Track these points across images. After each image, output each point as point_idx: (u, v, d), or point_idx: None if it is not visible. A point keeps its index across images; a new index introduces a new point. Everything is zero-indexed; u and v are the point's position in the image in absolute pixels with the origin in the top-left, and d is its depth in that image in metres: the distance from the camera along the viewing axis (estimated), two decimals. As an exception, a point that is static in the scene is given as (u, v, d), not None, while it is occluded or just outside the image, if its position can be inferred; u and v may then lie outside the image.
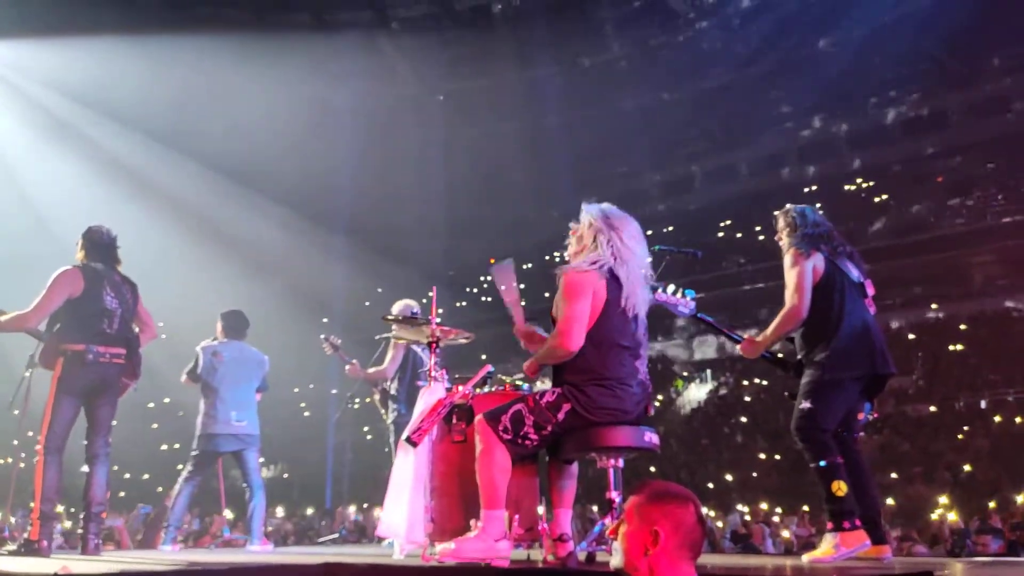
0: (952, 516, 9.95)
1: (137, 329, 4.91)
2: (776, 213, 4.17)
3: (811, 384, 3.76)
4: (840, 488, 3.56)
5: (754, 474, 15.68)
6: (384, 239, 17.56)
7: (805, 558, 3.65)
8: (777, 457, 15.65)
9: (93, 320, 4.58)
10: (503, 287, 3.73)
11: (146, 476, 12.26)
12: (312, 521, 11.56)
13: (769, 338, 3.96)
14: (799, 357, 3.94)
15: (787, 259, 3.93)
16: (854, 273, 3.97)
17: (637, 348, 3.44)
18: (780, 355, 4.17)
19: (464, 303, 18.44)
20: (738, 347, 4.16)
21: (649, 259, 3.58)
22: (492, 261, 3.76)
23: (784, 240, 4.03)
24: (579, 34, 22.09)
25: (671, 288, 4.04)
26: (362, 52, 16.98)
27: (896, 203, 21.11)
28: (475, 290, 19.29)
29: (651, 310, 3.61)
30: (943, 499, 11.42)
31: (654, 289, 3.82)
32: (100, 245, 4.81)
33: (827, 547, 3.56)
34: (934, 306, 19.11)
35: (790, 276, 3.87)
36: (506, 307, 3.73)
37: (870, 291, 4.00)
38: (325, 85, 15.78)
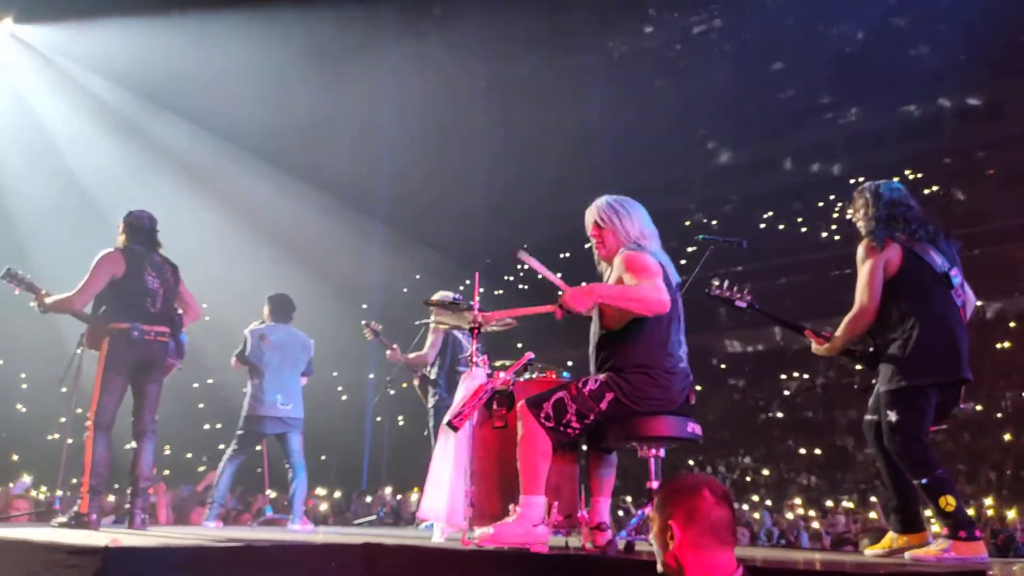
0: (997, 513, 9.73)
1: (180, 310, 5.01)
2: (855, 193, 3.82)
3: (893, 394, 3.48)
4: (948, 503, 3.28)
5: (790, 471, 15.51)
6: (423, 226, 17.61)
7: (908, 555, 3.40)
8: (805, 451, 15.47)
9: (137, 300, 4.70)
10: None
11: (189, 455, 12.53)
12: (349, 502, 11.73)
13: (840, 340, 3.74)
14: (871, 349, 3.70)
15: (859, 250, 3.63)
16: (937, 261, 3.59)
17: (680, 336, 3.42)
18: (850, 348, 3.86)
19: (501, 291, 18.45)
20: (814, 348, 3.89)
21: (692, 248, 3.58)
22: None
23: (860, 223, 3.72)
24: (620, 20, 21.87)
25: (726, 282, 3.96)
26: (405, 39, 17.00)
27: (945, 196, 20.61)
28: (512, 278, 19.29)
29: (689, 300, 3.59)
30: (988, 500, 11.17)
31: (709, 285, 3.79)
32: (140, 229, 4.92)
33: (935, 548, 3.32)
34: (980, 303, 18.64)
35: (861, 271, 3.59)
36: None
37: (957, 280, 3.62)
38: (367, 71, 15.82)
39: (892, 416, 3.45)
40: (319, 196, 15.35)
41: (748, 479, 14.97)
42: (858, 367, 3.96)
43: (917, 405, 3.45)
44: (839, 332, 3.75)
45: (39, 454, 10.78)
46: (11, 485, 9.23)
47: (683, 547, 2.07)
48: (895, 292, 3.56)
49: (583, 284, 3.37)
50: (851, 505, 11.16)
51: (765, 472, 15.34)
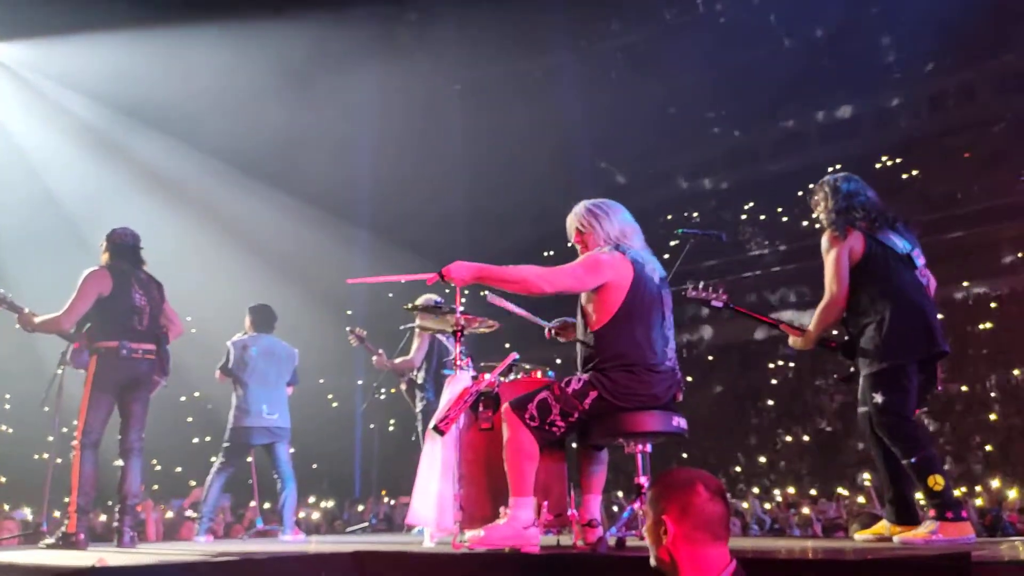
0: (985, 492, 9.83)
1: (164, 327, 4.98)
2: (812, 187, 3.94)
3: (874, 376, 3.54)
4: (937, 482, 3.34)
5: (781, 460, 15.59)
6: (405, 231, 17.57)
7: (896, 539, 3.44)
8: (794, 439, 15.57)
9: (124, 318, 4.67)
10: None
11: (179, 469, 12.44)
12: (341, 511, 11.69)
13: (814, 331, 3.80)
14: (846, 338, 3.77)
15: (823, 241, 3.73)
16: (899, 245, 3.69)
17: (666, 331, 3.44)
18: (825, 338, 3.92)
19: (484, 293, 18.47)
20: (790, 342, 3.96)
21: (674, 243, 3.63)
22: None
23: (821, 216, 3.81)
24: (595, 16, 21.92)
25: (701, 284, 4.02)
26: (379, 43, 16.97)
27: (923, 180, 20.79)
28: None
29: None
30: (975, 478, 11.27)
31: (684, 288, 3.83)
32: (124, 247, 4.89)
33: (923, 531, 3.37)
34: (964, 284, 18.81)
35: (827, 262, 3.67)
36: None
37: (919, 260, 3.74)
38: (342, 78, 15.78)
39: (877, 398, 3.50)
40: (299, 205, 15.31)
41: (738, 469, 15.04)
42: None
43: (900, 384, 3.50)
44: (812, 324, 3.81)
45: (26, 475, 10.68)
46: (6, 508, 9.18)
47: (677, 542, 2.08)
48: (862, 278, 3.64)
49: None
50: (843, 491, 11.23)
51: (758, 460, 15.41)
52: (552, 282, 3.32)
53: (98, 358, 4.60)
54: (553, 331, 3.92)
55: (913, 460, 3.41)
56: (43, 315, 4.70)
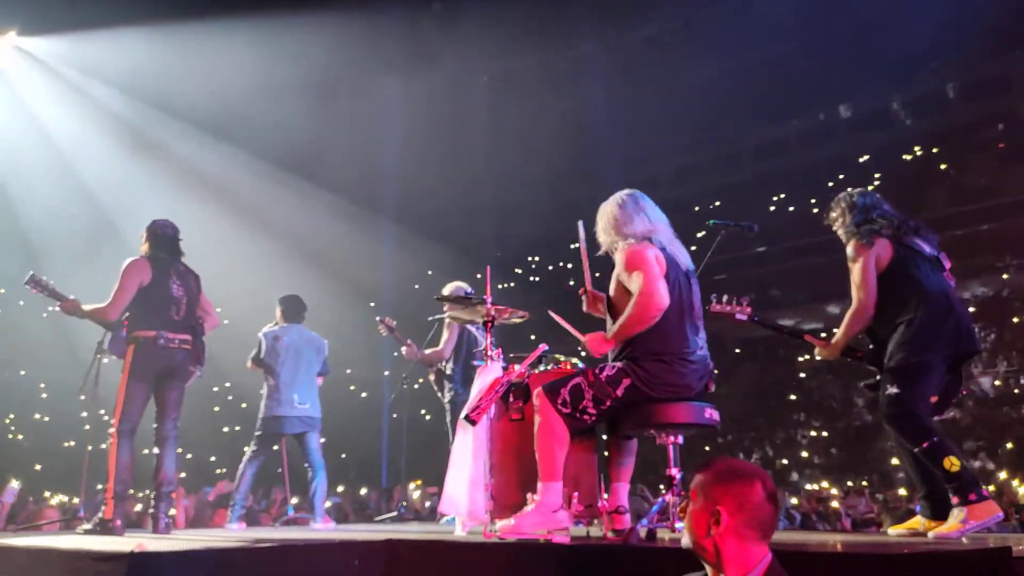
0: (1016, 489, 9.67)
1: (200, 318, 5.05)
2: (831, 204, 3.97)
3: (897, 368, 3.55)
4: (953, 463, 3.35)
5: (811, 454, 15.46)
6: (432, 223, 17.59)
7: (931, 534, 3.44)
8: (825, 434, 15.44)
9: (162, 308, 4.74)
10: (583, 251, 3.77)
11: (212, 459, 12.62)
12: (370, 500, 11.78)
13: (841, 339, 3.82)
14: (872, 346, 3.78)
15: (849, 251, 3.76)
16: (926, 249, 3.75)
17: (696, 321, 3.43)
18: (852, 348, 3.95)
19: (512, 284, 18.45)
20: (816, 352, 3.99)
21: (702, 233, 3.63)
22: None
23: (840, 232, 3.86)
24: (623, 8, 21.72)
25: (724, 297, 4.02)
26: (405, 36, 16.99)
27: (956, 171, 20.44)
28: (523, 271, 19.28)
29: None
30: (1004, 474, 11.10)
31: (708, 301, 3.83)
32: (163, 238, 4.97)
33: (954, 522, 3.36)
34: (999, 277, 18.48)
35: (854, 271, 3.70)
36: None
37: (946, 264, 3.81)
38: (369, 71, 15.82)
39: (892, 389, 3.54)
40: (328, 198, 15.39)
41: (766, 462, 14.94)
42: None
43: (917, 379, 3.52)
44: (840, 331, 3.83)
45: (62, 461, 10.88)
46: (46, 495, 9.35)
47: (727, 534, 2.05)
48: (892, 283, 3.66)
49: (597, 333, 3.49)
50: (870, 486, 11.12)
51: (787, 454, 15.31)
52: (648, 309, 3.27)
53: (135, 347, 4.67)
54: (584, 291, 3.85)
55: (924, 446, 3.42)
56: (89, 304, 4.78)
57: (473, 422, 3.39)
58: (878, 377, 3.78)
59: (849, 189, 3.98)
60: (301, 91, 14.78)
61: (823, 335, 4.03)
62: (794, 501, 10.38)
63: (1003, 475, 10.91)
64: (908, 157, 21.02)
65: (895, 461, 12.52)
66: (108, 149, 12.65)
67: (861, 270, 3.66)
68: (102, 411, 5.15)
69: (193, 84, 13.02)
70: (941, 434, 3.48)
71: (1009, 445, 13.10)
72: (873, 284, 3.65)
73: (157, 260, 4.84)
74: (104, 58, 12.34)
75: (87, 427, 5.55)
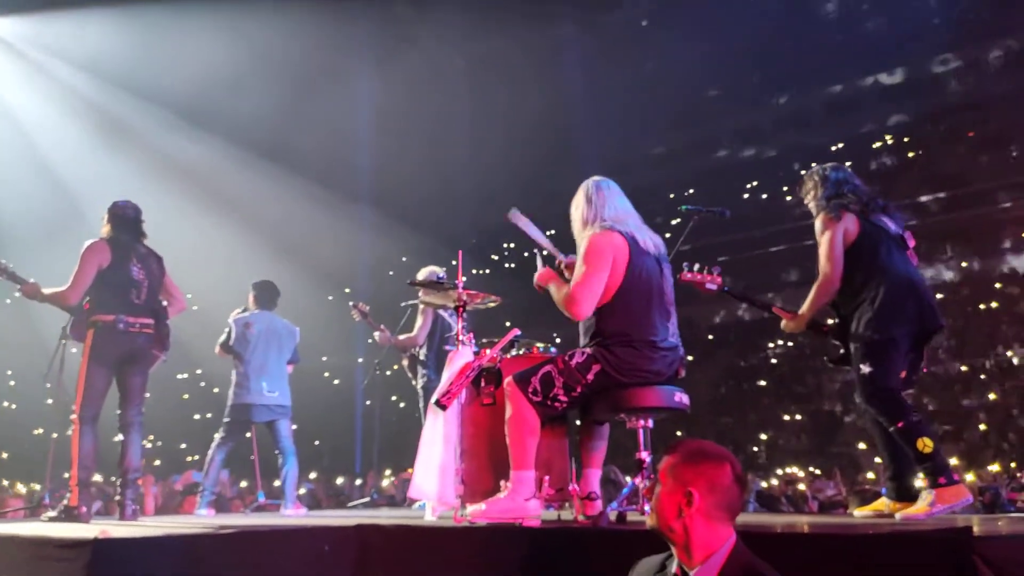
0: (983, 470, 9.87)
1: (165, 302, 4.96)
2: (803, 175, 4.04)
3: (865, 347, 3.59)
4: (926, 445, 3.38)
5: (780, 438, 15.66)
6: (407, 209, 17.51)
7: (898, 516, 3.47)
8: (798, 418, 15.64)
9: (121, 291, 4.64)
10: (528, 231, 3.76)
11: (183, 446, 12.50)
12: (342, 486, 11.75)
13: (807, 311, 3.86)
14: (837, 320, 3.83)
15: (817, 224, 3.80)
16: (891, 226, 3.80)
17: (667, 307, 3.44)
18: (817, 322, 4.00)
19: (487, 271, 18.44)
20: (783, 325, 4.01)
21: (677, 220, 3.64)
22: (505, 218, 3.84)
23: (811, 204, 3.91)
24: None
25: (696, 267, 4.03)
26: (380, 18, 16.81)
27: (926, 159, 20.70)
28: (498, 258, 19.27)
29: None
30: (972, 457, 11.33)
31: (680, 269, 3.83)
32: (124, 219, 4.85)
33: (922, 504, 3.39)
34: (964, 264, 18.80)
35: (822, 243, 3.74)
36: (539, 256, 3.80)
37: (910, 243, 3.86)
38: (344, 54, 15.65)
39: (864, 368, 3.57)
40: (302, 182, 15.24)
41: (737, 447, 15.11)
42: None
43: (888, 356, 3.56)
44: (806, 304, 3.86)
45: (29, 449, 10.73)
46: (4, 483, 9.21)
47: (697, 515, 2.06)
48: (857, 258, 3.70)
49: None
50: (839, 470, 11.29)
51: (757, 439, 15.49)
52: (572, 305, 3.32)
53: (95, 331, 4.57)
54: (564, 264, 3.86)
55: (900, 426, 3.45)
56: (49, 287, 4.68)
57: (443, 407, 3.38)
58: (841, 351, 3.84)
59: (821, 165, 4.02)
60: (274, 75, 14.58)
61: (790, 309, 4.05)
62: (764, 485, 10.52)
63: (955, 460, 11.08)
64: (879, 144, 21.26)
65: (863, 446, 12.76)
66: (74, 131, 12.41)
67: (829, 243, 3.70)
68: (66, 400, 5.05)
69: (163, 67, 12.80)
70: (919, 414, 3.53)
71: (983, 426, 13.34)
72: (840, 258, 3.69)
73: (117, 242, 4.73)
74: (70, 39, 12.08)
75: (53, 415, 5.45)
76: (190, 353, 10.93)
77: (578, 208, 3.58)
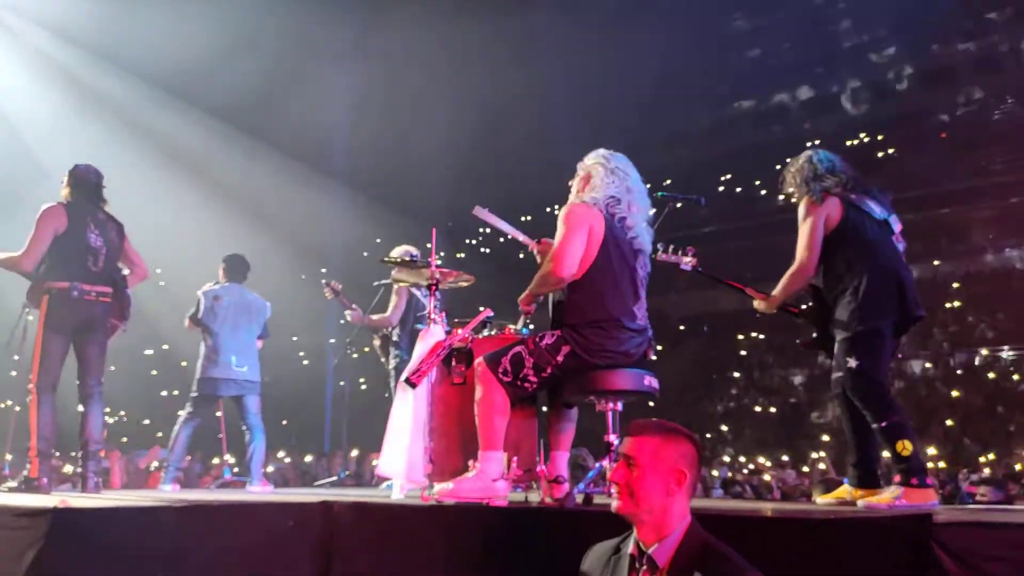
0: (942, 465, 10.07)
1: (127, 270, 4.86)
2: (788, 162, 3.95)
3: (850, 339, 3.53)
4: (905, 447, 3.34)
5: (746, 428, 15.85)
6: (383, 189, 17.39)
7: (861, 503, 3.46)
8: (771, 410, 15.82)
9: (77, 258, 4.52)
10: (497, 224, 3.76)
11: (147, 421, 12.34)
12: (310, 465, 11.70)
13: (779, 294, 3.82)
14: (810, 304, 3.81)
15: (800, 208, 3.73)
16: (876, 210, 3.73)
17: (637, 291, 3.44)
18: (791, 305, 3.97)
19: (463, 254, 18.39)
20: (755, 304, 3.98)
21: (653, 210, 3.64)
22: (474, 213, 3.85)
23: (795, 189, 3.84)
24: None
25: (671, 247, 4.02)
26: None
27: (899, 158, 20.94)
28: (474, 241, 19.21)
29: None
30: (933, 451, 11.52)
31: (655, 250, 3.83)
32: (85, 183, 4.72)
33: (888, 496, 3.37)
34: (936, 263, 19.08)
35: (802, 228, 3.67)
36: (514, 240, 3.80)
37: (896, 227, 3.78)
38: (322, 31, 15.43)
39: (852, 362, 3.51)
40: (276, 156, 15.04)
41: (703, 434, 15.28)
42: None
43: (875, 347, 3.52)
44: (778, 288, 3.82)
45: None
46: None
47: (682, 494, 2.09)
48: (840, 243, 3.65)
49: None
50: (803, 459, 11.47)
51: (722, 428, 15.65)
52: (554, 271, 3.31)
53: (49, 299, 4.45)
54: (536, 249, 3.85)
55: (884, 424, 3.42)
56: (4, 252, 4.56)
57: (413, 385, 3.36)
58: (814, 335, 3.82)
59: (807, 148, 3.96)
60: (251, 50, 14.33)
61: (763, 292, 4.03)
62: (729, 474, 10.66)
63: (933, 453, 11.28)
64: (853, 142, 21.46)
65: (826, 437, 12.95)
66: (40, 93, 12.10)
67: (809, 229, 3.65)
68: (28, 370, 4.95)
69: (136, 32, 12.53)
70: (904, 414, 3.49)
71: (950, 422, 13.56)
72: (818, 245, 3.64)
73: (75, 207, 4.60)
74: (53, 6, 11.76)
75: (15, 385, 5.34)
76: (158, 329, 10.77)
77: (585, 176, 3.55)
